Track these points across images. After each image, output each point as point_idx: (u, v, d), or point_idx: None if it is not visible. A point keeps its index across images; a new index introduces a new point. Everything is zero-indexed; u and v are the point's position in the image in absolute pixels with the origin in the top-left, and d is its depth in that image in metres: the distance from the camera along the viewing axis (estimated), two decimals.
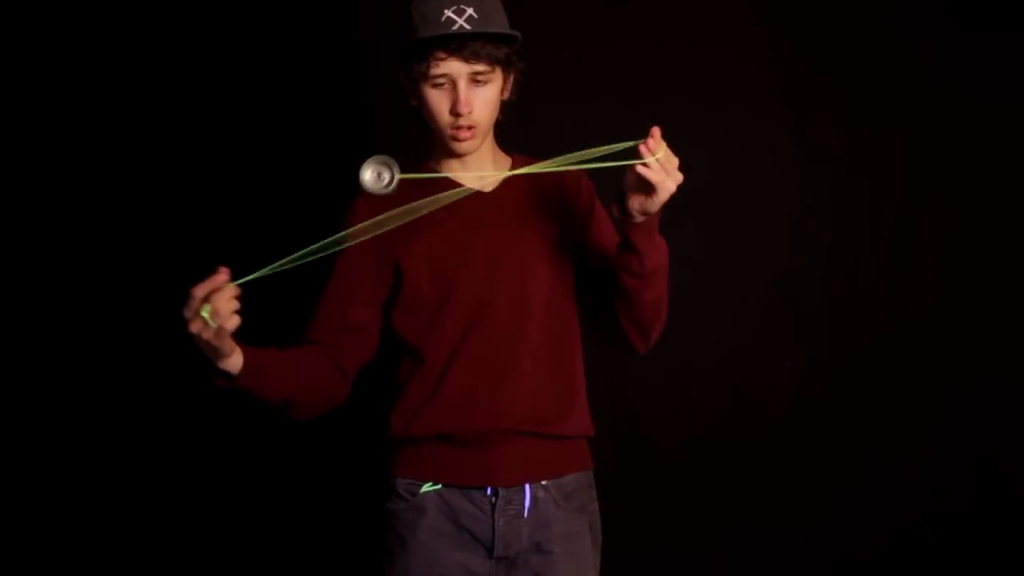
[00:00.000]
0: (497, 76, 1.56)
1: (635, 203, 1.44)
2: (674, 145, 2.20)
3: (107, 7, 2.16)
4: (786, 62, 2.27)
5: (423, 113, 1.59)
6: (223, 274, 1.32)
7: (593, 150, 1.44)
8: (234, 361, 1.39)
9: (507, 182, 1.64)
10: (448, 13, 1.49)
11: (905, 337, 2.30)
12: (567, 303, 1.62)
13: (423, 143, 1.66)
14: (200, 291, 1.31)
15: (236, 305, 1.33)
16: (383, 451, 1.64)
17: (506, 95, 1.61)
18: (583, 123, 2.18)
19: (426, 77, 1.53)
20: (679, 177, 1.43)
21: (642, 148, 1.41)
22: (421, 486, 1.58)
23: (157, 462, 2.18)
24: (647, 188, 1.42)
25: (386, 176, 1.43)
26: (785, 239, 2.28)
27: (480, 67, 1.52)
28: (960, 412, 2.30)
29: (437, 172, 1.63)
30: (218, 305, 1.31)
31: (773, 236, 2.28)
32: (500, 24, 1.55)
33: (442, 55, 1.51)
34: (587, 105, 2.19)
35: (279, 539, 2.21)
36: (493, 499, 1.55)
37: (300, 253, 1.37)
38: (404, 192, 1.56)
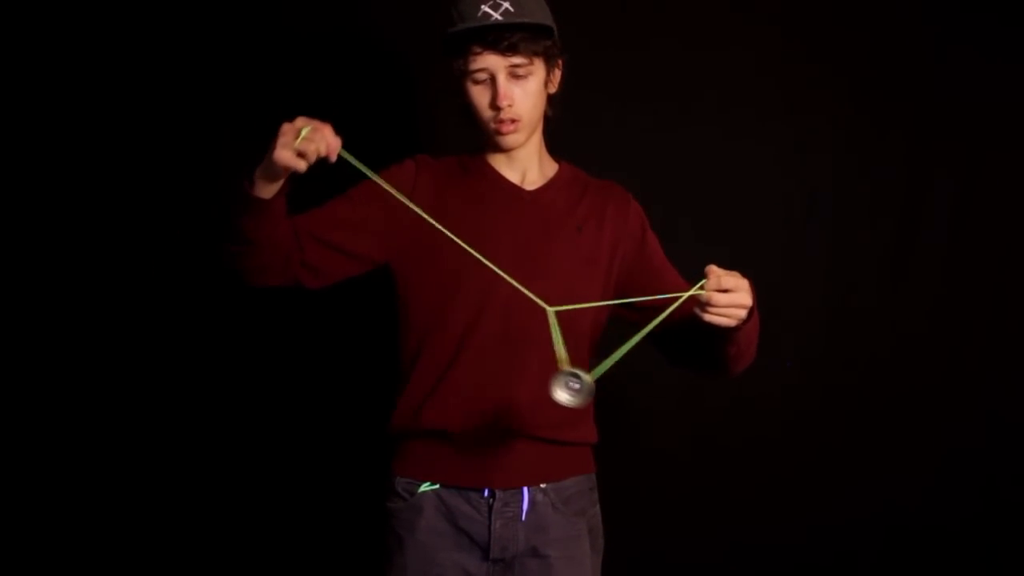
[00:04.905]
0: (538, 69, 1.56)
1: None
2: (675, 145, 2.24)
3: (115, 7, 2.16)
4: (786, 62, 2.26)
5: (468, 110, 1.60)
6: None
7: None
8: (272, 189, 1.42)
9: (549, 185, 1.65)
10: (484, 8, 1.51)
11: (905, 338, 2.29)
12: (587, 314, 1.60)
13: (472, 140, 1.67)
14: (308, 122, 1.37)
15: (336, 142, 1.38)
16: (384, 449, 1.64)
17: (552, 88, 1.61)
18: (583, 123, 2.17)
19: (466, 73, 1.54)
20: (746, 303, 1.39)
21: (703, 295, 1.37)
22: (419, 486, 1.58)
23: (156, 460, 2.18)
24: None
25: (579, 385, 1.38)
26: (785, 239, 2.28)
27: (517, 60, 1.52)
28: (961, 413, 2.29)
29: (484, 166, 1.64)
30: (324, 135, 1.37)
31: (773, 236, 2.28)
32: (538, 17, 1.55)
33: (478, 49, 1.52)
34: (587, 105, 2.18)
35: (282, 537, 2.21)
36: (490, 501, 1.55)
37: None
38: (453, 182, 1.60)
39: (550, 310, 1.43)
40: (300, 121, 1.37)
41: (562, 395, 1.38)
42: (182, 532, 2.18)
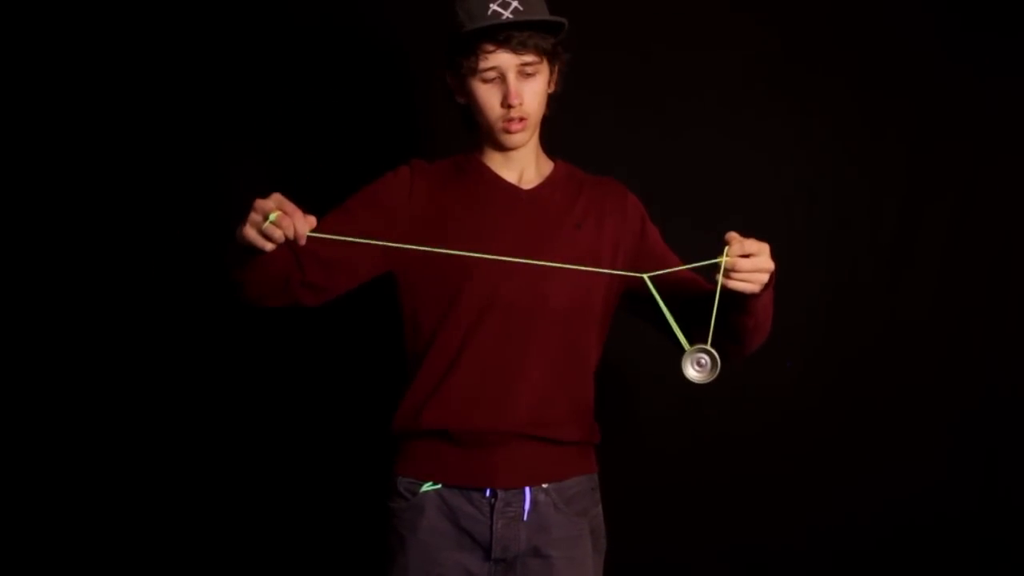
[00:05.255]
0: (544, 68, 1.57)
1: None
2: (675, 144, 2.24)
3: (115, 7, 2.16)
4: (786, 62, 2.26)
5: (472, 109, 1.60)
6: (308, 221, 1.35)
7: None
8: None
9: (546, 183, 1.65)
10: (494, 7, 1.51)
11: (905, 337, 2.29)
12: (590, 310, 1.61)
13: (468, 140, 1.67)
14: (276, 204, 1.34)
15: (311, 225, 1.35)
16: (386, 449, 1.64)
17: (552, 88, 1.62)
18: (582, 123, 2.17)
19: (475, 72, 1.54)
20: (768, 267, 1.42)
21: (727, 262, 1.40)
22: (421, 485, 1.58)
23: (163, 460, 2.19)
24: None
25: (706, 361, 1.41)
26: (785, 239, 2.26)
27: (529, 58, 1.53)
28: (960, 412, 2.29)
29: (480, 167, 1.64)
30: (293, 221, 1.33)
31: (772, 236, 2.25)
32: (544, 14, 1.56)
33: (490, 47, 1.52)
34: (587, 105, 2.19)
35: (283, 537, 2.21)
36: (492, 501, 1.55)
37: None
38: (450, 185, 1.60)
39: (646, 277, 1.45)
40: (271, 203, 1.35)
41: (693, 373, 1.41)
42: (187, 530, 2.19)
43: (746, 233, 1.42)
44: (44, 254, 2.16)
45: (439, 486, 1.57)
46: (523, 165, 1.64)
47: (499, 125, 1.56)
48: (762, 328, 1.55)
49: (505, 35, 1.51)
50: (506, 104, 1.54)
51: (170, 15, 2.17)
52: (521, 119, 1.56)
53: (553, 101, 1.65)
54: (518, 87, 1.54)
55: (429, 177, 1.63)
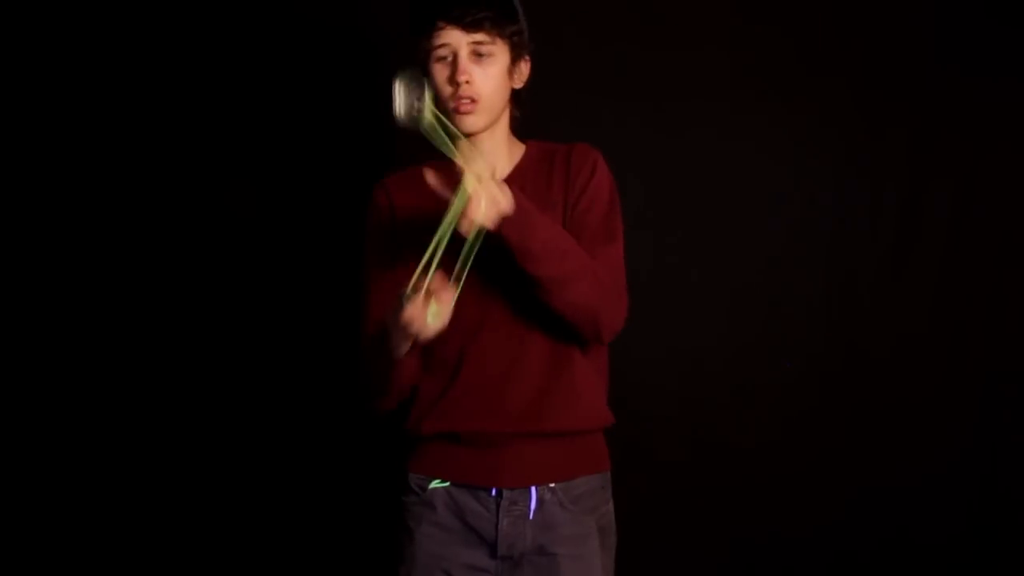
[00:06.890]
0: (501, 53, 1.55)
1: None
2: (675, 145, 2.24)
3: (115, 7, 2.17)
4: (786, 62, 2.26)
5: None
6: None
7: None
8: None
9: (515, 171, 1.64)
10: None
11: (905, 337, 2.29)
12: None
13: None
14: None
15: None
16: (402, 445, 1.66)
17: (518, 84, 1.60)
18: (582, 122, 2.17)
19: (430, 51, 1.53)
20: (499, 200, 1.41)
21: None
22: (431, 482, 1.59)
23: (173, 459, 2.20)
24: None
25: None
26: (785, 239, 2.28)
27: (480, 36, 1.52)
28: (960, 412, 2.29)
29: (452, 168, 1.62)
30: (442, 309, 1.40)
31: (773, 236, 2.28)
32: None
33: (442, 24, 1.52)
34: (586, 104, 2.19)
35: (299, 532, 2.23)
36: (498, 499, 1.55)
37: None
38: (423, 190, 1.57)
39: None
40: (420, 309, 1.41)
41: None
42: (205, 530, 2.20)
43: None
44: (44, 255, 2.17)
45: (447, 483, 1.58)
46: (493, 160, 1.59)
47: (450, 105, 1.54)
48: (563, 279, 1.48)
49: (458, 12, 1.50)
50: (454, 81, 1.52)
51: (167, 15, 2.17)
52: (472, 100, 1.53)
53: (523, 100, 1.63)
54: (467, 65, 1.52)
55: (402, 186, 1.63)
